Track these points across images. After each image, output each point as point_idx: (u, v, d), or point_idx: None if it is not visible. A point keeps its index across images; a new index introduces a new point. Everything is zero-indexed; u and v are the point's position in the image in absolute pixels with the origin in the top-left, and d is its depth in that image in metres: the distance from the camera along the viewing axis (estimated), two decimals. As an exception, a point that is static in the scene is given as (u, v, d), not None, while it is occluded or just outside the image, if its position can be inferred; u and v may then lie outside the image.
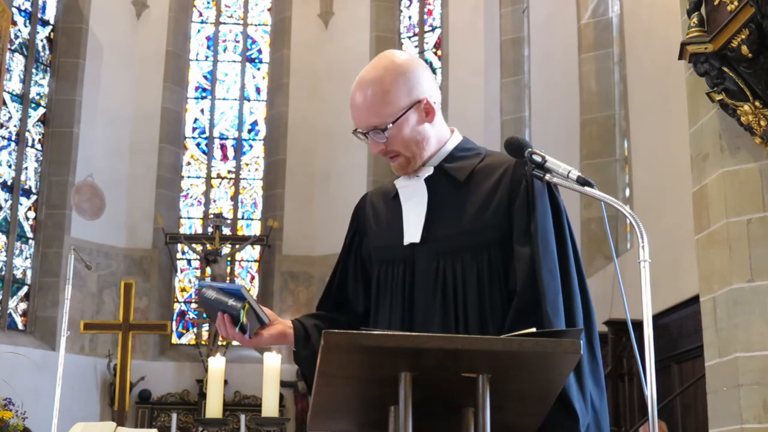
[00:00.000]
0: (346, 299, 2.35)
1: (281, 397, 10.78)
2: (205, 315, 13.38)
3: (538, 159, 2.07)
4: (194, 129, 14.94)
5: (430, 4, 14.50)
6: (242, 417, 8.74)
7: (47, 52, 13.64)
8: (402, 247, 2.18)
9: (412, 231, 2.17)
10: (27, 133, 13.16)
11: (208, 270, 13.65)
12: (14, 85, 13.07)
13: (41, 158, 13.27)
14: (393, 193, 2.27)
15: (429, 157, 2.20)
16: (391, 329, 2.10)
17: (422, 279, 2.14)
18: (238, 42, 15.36)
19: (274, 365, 6.33)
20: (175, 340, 13.97)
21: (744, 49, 3.95)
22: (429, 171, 2.20)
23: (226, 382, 8.48)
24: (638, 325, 2.06)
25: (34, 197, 13.16)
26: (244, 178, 14.89)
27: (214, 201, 14.74)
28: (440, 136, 2.22)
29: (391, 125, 2.13)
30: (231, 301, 2.13)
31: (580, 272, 2.13)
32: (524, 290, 2.03)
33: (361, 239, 2.34)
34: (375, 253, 2.28)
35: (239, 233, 14.48)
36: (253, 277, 14.44)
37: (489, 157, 2.22)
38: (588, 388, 2.02)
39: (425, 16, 14.53)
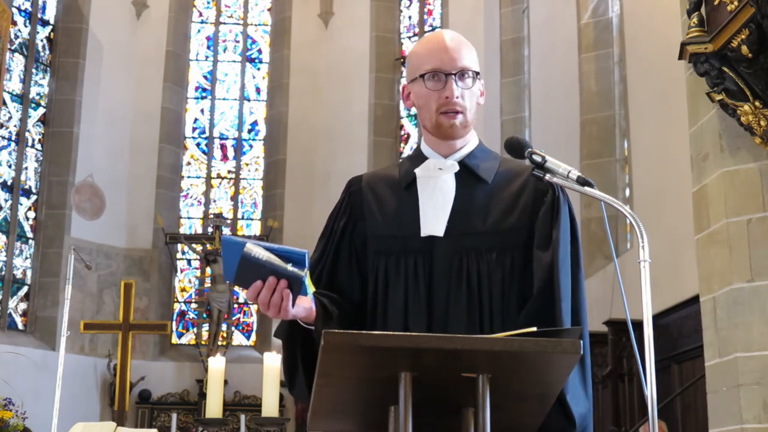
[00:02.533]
0: (337, 287, 2.19)
1: (281, 397, 10.77)
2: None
3: (538, 159, 2.08)
4: (194, 129, 14.94)
5: (430, 4, 14.50)
6: (242, 417, 8.75)
7: (47, 52, 13.64)
8: (418, 238, 2.13)
9: (433, 223, 2.13)
10: (27, 133, 13.16)
11: (208, 270, 13.65)
12: (14, 85, 13.07)
13: (41, 158, 13.27)
14: (406, 182, 2.21)
15: (459, 142, 2.20)
16: (408, 322, 2.09)
17: (443, 273, 2.10)
18: (238, 42, 15.35)
19: (274, 365, 6.33)
20: (175, 340, 13.97)
21: (744, 49, 3.96)
22: (455, 166, 2.18)
23: (226, 382, 8.48)
24: (638, 325, 2.06)
25: (34, 197, 13.16)
26: (244, 178, 14.88)
27: (214, 201, 14.73)
28: None
29: (479, 76, 2.19)
30: (291, 267, 1.84)
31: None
32: (542, 293, 2.06)
33: (356, 224, 2.24)
34: (376, 242, 2.19)
35: (239, 233, 14.47)
36: (253, 277, 14.42)
37: (506, 161, 2.24)
38: (588, 390, 2.04)
39: (425, 16, 14.53)
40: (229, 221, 14.36)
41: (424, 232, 2.13)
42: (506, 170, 2.20)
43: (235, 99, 15.14)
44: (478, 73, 2.20)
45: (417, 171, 2.20)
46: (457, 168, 2.18)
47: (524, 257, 2.11)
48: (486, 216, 2.13)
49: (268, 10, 15.33)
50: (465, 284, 2.09)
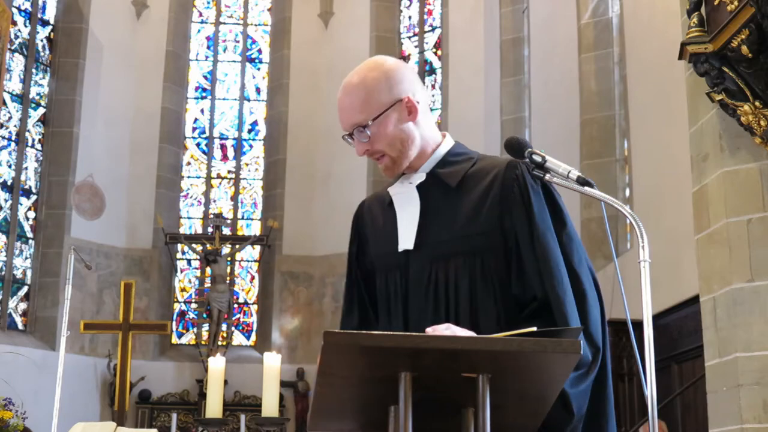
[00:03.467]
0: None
1: (281, 397, 10.78)
2: (204, 315, 13.42)
3: (538, 159, 2.07)
4: (194, 129, 14.94)
5: (430, 4, 14.50)
6: (242, 417, 8.74)
7: (47, 52, 13.64)
8: (397, 254, 2.17)
9: (406, 237, 2.17)
10: (27, 133, 13.16)
11: (208, 270, 13.65)
12: (14, 85, 13.07)
13: (41, 158, 13.28)
14: (388, 200, 2.26)
15: (418, 160, 2.19)
16: None
17: (415, 285, 2.13)
18: (238, 42, 15.36)
19: (274, 365, 6.32)
20: (175, 340, 13.97)
21: (744, 49, 3.95)
22: (421, 177, 2.19)
23: (226, 382, 8.48)
24: (638, 325, 2.06)
25: (34, 197, 13.16)
26: (244, 178, 14.88)
27: (214, 201, 14.73)
28: (429, 139, 2.20)
29: (371, 122, 2.13)
30: None
31: (587, 265, 2.15)
32: (540, 301, 2.04)
33: (364, 248, 2.31)
34: (375, 261, 2.26)
35: (239, 233, 14.47)
36: (253, 277, 14.44)
37: (481, 161, 2.21)
38: (588, 381, 2.03)
39: (425, 16, 14.52)
40: (229, 221, 14.36)
41: (400, 247, 2.17)
42: (477, 170, 2.18)
43: (235, 99, 15.14)
44: (365, 127, 2.12)
45: (390, 189, 2.25)
46: (421, 179, 2.19)
47: (497, 257, 2.09)
48: (450, 222, 2.13)
49: (268, 10, 15.33)
50: (432, 294, 2.10)
